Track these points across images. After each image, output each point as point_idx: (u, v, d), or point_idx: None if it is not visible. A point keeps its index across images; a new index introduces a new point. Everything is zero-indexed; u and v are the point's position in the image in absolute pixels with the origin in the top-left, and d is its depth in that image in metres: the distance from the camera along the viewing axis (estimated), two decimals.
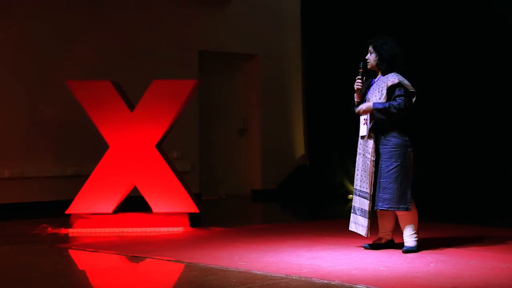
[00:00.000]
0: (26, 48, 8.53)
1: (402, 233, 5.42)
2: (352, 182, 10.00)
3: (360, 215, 5.39)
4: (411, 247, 5.34)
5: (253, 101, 10.41)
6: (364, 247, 5.51)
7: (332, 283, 4.36)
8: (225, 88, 10.26)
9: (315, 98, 10.52)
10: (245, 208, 9.56)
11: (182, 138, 9.30)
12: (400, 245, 5.43)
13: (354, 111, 5.49)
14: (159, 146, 7.07)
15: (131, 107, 7.09)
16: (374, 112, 5.31)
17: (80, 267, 5.39)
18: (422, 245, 5.41)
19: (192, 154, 9.65)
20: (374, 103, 5.32)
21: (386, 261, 5.01)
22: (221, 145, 10.22)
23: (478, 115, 8.77)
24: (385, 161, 5.32)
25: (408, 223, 5.37)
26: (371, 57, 5.47)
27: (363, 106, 5.36)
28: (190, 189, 7.15)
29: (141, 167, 6.95)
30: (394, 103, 5.29)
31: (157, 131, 6.99)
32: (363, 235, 5.36)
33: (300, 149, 10.71)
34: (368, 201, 5.32)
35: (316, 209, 9.18)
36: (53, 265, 5.22)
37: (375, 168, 5.32)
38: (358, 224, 5.42)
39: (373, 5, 9.68)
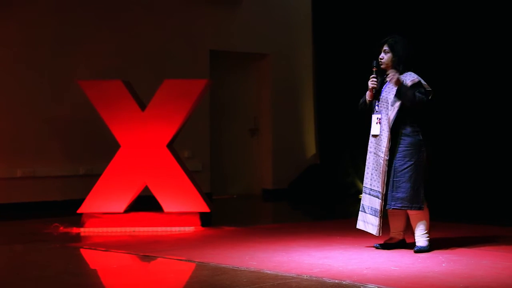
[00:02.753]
0: (38, 48, 8.56)
1: (413, 233, 5.40)
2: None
3: (370, 214, 5.37)
4: (423, 246, 5.32)
5: (264, 100, 10.40)
6: (375, 247, 5.49)
7: (343, 282, 4.34)
8: (236, 87, 10.26)
9: (326, 97, 10.50)
10: (256, 208, 9.55)
11: (193, 138, 9.31)
12: (411, 245, 5.41)
13: (363, 110, 5.44)
14: (170, 145, 7.08)
15: (143, 106, 7.10)
16: (401, 88, 5.21)
17: (92, 266, 5.41)
18: (433, 245, 5.39)
19: (203, 153, 9.66)
20: (404, 81, 5.24)
21: (398, 261, 4.99)
22: (232, 144, 10.22)
23: (492, 114, 8.71)
24: (399, 160, 5.29)
25: (420, 223, 5.35)
26: (386, 57, 5.41)
27: (394, 77, 5.23)
28: (201, 188, 7.15)
29: (152, 167, 6.96)
30: (418, 94, 5.26)
31: (168, 131, 7.00)
32: (374, 234, 5.35)
33: (311, 148, 10.69)
34: (380, 200, 5.30)
35: (328, 209, 9.17)
36: (64, 264, 5.24)
37: (388, 167, 5.29)
38: (368, 222, 5.40)
39: (384, 4, 9.65)
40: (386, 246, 5.47)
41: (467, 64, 8.85)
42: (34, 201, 8.44)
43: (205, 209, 6.90)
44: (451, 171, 8.85)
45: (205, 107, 9.50)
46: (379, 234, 5.34)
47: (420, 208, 5.29)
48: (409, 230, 5.48)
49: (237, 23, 9.99)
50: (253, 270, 4.74)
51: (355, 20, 10.05)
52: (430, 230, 5.39)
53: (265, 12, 10.24)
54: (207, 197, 7.35)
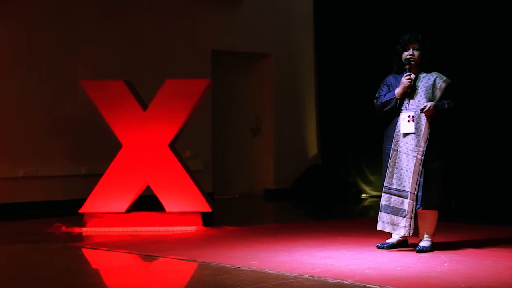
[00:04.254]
0: (40, 48, 8.57)
1: (419, 232, 5.36)
2: (366, 182, 10.06)
3: (396, 215, 5.30)
4: (425, 247, 5.31)
5: (266, 100, 10.41)
6: (377, 246, 5.48)
7: (345, 282, 4.34)
8: (238, 87, 10.26)
9: (328, 97, 10.50)
10: (258, 208, 9.55)
11: (195, 137, 9.31)
12: (413, 245, 5.40)
13: (387, 108, 5.35)
14: (172, 145, 7.08)
15: (144, 106, 7.10)
16: (437, 113, 5.19)
17: (94, 266, 5.41)
18: (435, 245, 5.38)
19: (205, 153, 9.66)
20: (438, 104, 5.22)
21: (400, 261, 4.99)
22: (234, 144, 10.22)
23: (497, 115, 8.66)
24: (430, 159, 5.24)
25: (430, 223, 5.32)
26: (416, 53, 5.34)
27: (430, 105, 5.18)
28: (203, 188, 7.15)
29: (154, 167, 6.97)
30: (451, 103, 5.26)
31: (170, 131, 7.00)
32: (402, 234, 5.28)
33: (313, 148, 10.69)
34: (409, 200, 5.23)
35: (329, 209, 9.16)
36: (66, 264, 5.24)
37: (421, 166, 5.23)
38: (390, 223, 5.31)
39: (386, 4, 9.64)
40: (388, 246, 5.45)
41: (475, 66, 8.77)
42: (36, 201, 8.45)
43: (207, 209, 6.90)
44: (454, 171, 8.81)
45: (207, 107, 9.50)
46: (409, 234, 5.27)
47: (444, 208, 5.27)
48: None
49: (239, 23, 9.99)
50: (255, 270, 4.74)
51: (357, 20, 10.05)
52: (435, 231, 5.38)
53: (267, 11, 10.24)
54: (209, 197, 7.35)
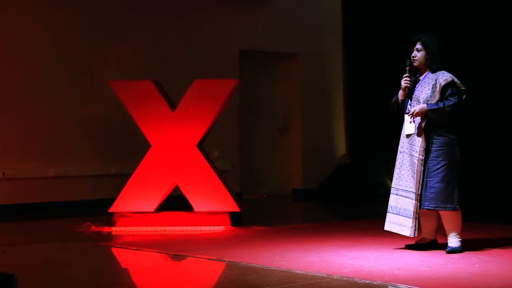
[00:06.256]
0: (70, 49, 8.65)
1: (445, 234, 5.33)
2: None
3: (399, 215, 5.30)
4: (455, 247, 5.26)
5: (294, 100, 10.39)
6: (406, 247, 5.44)
7: (374, 283, 4.32)
8: (266, 87, 10.26)
9: (356, 97, 10.46)
10: (286, 207, 9.54)
11: (223, 137, 9.32)
12: (443, 246, 5.35)
13: (395, 110, 5.41)
14: (200, 145, 7.10)
15: (173, 106, 7.13)
16: (429, 114, 5.17)
17: (123, 265, 5.45)
18: (466, 246, 5.33)
19: (233, 153, 9.67)
20: (427, 105, 5.18)
21: (429, 262, 4.94)
22: (262, 144, 10.22)
23: None
24: (432, 160, 5.22)
25: (453, 223, 5.28)
26: (419, 55, 5.33)
27: (416, 109, 5.21)
28: (231, 188, 7.16)
29: (182, 166, 7.00)
30: (448, 102, 5.18)
31: (198, 130, 7.02)
32: (407, 235, 5.26)
33: (341, 148, 10.65)
34: (414, 201, 5.22)
35: (358, 209, 9.12)
36: (96, 263, 5.29)
37: (422, 167, 5.22)
38: (397, 224, 5.30)
39: (414, 3, 9.56)
40: (418, 246, 5.42)
41: (499, 63, 8.71)
42: (66, 200, 8.53)
43: (235, 208, 6.90)
44: (484, 171, 8.73)
45: (235, 107, 9.51)
46: (415, 235, 5.26)
47: (454, 209, 5.22)
48: (441, 230, 5.42)
49: (266, 22, 9.99)
50: (283, 270, 4.73)
51: (385, 18, 9.98)
52: (462, 231, 5.33)
53: (294, 11, 10.23)
54: (237, 196, 7.36)
